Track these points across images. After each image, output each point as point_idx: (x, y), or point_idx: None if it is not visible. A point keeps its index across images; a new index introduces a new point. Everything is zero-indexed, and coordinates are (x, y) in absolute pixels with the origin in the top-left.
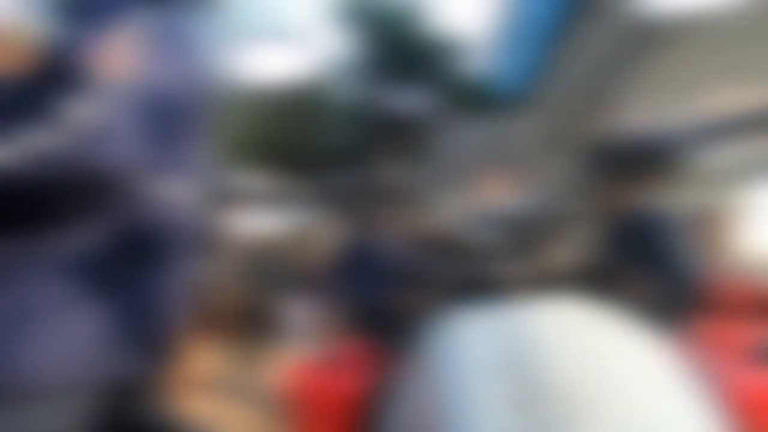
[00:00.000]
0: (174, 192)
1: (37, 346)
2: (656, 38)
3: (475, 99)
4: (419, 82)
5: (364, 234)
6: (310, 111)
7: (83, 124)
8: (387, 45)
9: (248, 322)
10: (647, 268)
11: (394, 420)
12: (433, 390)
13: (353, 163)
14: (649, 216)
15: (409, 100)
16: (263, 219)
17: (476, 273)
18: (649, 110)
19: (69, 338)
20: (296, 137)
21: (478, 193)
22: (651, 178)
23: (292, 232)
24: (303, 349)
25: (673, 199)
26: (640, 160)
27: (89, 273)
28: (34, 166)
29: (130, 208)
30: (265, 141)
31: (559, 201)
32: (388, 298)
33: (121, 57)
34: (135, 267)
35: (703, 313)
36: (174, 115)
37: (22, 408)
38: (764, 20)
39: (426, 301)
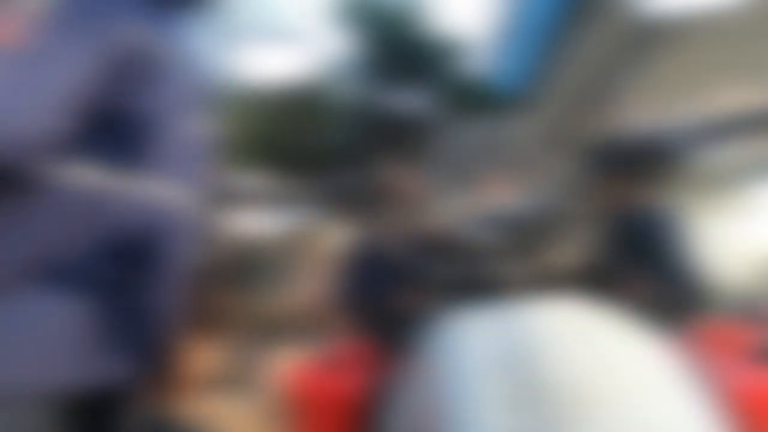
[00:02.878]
0: (170, 194)
1: (19, 353)
2: (656, 38)
3: (475, 99)
4: (419, 82)
5: (364, 234)
6: (309, 111)
7: None
8: (387, 45)
9: (246, 322)
10: (647, 267)
11: (394, 420)
12: (433, 390)
13: (353, 163)
14: (649, 216)
15: (409, 100)
16: (263, 219)
17: (476, 273)
18: (649, 110)
19: (53, 344)
20: (296, 137)
21: (478, 192)
22: (651, 178)
23: (292, 232)
24: (302, 349)
25: (673, 199)
26: (640, 160)
27: (77, 278)
28: None
29: (36, 193)
30: (265, 141)
31: (559, 201)
32: (389, 298)
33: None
34: (128, 270)
35: (702, 313)
36: (129, 106)
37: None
38: (764, 20)
39: (426, 301)
